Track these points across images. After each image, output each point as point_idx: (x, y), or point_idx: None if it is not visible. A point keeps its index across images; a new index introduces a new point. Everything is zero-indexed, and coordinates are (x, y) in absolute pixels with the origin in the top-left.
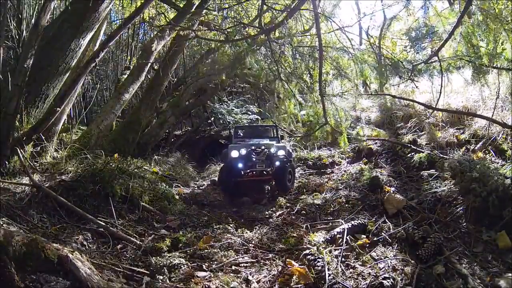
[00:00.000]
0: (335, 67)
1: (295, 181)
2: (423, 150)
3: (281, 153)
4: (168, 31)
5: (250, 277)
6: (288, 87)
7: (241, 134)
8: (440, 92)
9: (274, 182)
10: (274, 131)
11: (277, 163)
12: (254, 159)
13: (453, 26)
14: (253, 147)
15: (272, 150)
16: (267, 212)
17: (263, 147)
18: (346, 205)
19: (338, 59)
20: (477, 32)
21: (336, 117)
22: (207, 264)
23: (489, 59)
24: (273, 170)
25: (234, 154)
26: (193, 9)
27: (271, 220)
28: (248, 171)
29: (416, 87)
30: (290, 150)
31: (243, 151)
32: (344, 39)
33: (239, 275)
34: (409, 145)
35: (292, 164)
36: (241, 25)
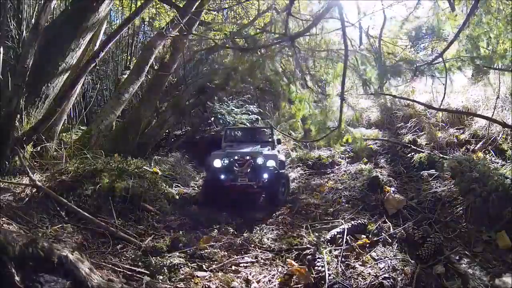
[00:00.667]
0: (353, 70)
1: (294, 183)
2: (423, 150)
3: (270, 163)
4: (170, 29)
5: (250, 277)
6: (313, 93)
7: (233, 137)
8: (445, 93)
9: (264, 195)
10: (269, 134)
11: (266, 175)
12: (236, 171)
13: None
14: (235, 157)
15: (259, 160)
16: (267, 212)
17: (247, 157)
18: (346, 205)
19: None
20: (481, 33)
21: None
22: (207, 264)
23: (490, 59)
24: (260, 183)
25: (217, 163)
26: (193, 9)
27: (271, 220)
28: (231, 184)
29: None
30: (283, 158)
31: (226, 161)
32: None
33: (239, 275)
34: (409, 145)
35: (286, 175)
36: (263, 32)
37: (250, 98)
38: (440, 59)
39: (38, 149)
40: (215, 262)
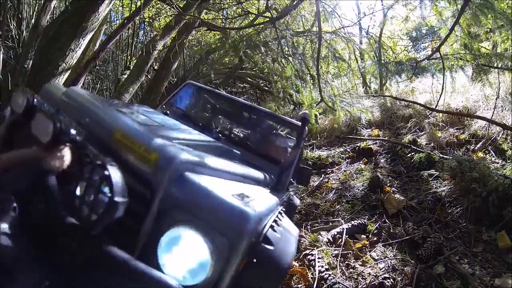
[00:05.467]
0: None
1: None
2: (423, 150)
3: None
4: (170, 28)
5: None
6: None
7: (190, 113)
8: (442, 90)
9: None
10: (287, 141)
11: None
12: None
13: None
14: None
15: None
16: None
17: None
18: (346, 205)
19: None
20: (476, 27)
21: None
22: None
23: (490, 57)
24: None
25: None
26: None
27: None
28: None
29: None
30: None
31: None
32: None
33: None
34: (409, 145)
35: None
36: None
37: (250, 98)
38: (438, 56)
39: None
40: None
